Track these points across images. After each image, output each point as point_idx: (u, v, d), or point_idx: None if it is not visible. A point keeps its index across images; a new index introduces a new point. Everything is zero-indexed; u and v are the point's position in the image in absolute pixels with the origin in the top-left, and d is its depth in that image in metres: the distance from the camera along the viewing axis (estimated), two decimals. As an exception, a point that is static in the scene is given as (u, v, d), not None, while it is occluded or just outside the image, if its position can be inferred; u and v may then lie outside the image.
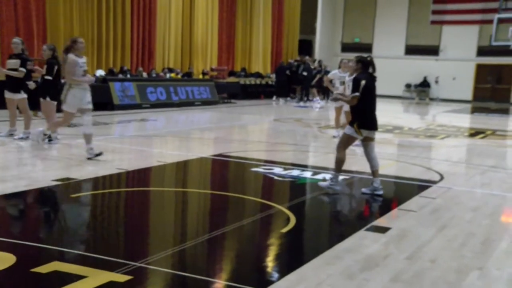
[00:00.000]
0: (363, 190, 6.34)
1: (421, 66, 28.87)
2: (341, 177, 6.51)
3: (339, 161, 6.28)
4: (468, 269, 4.06)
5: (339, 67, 10.85)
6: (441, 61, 28.71)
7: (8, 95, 9.24)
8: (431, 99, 28.52)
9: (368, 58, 6.24)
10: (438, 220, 5.38)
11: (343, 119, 10.43)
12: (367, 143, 6.29)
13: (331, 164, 8.14)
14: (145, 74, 18.74)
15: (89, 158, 7.60)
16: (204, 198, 6.22)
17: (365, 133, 6.17)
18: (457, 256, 4.33)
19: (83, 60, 7.73)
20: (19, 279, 3.55)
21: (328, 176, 6.77)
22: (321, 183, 6.46)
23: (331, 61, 26.27)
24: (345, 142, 6.28)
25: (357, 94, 6.05)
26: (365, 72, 6.17)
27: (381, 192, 6.19)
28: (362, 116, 6.13)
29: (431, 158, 9.73)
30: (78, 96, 7.65)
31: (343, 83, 10.14)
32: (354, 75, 6.37)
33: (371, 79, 6.19)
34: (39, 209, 5.63)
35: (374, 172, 6.26)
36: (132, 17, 18.90)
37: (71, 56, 7.60)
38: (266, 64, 26.73)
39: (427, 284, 3.74)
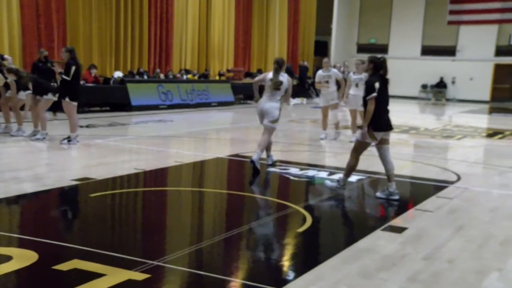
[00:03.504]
0: (378, 194, 6.19)
1: (438, 67, 28.63)
2: (354, 179, 6.47)
3: (350, 167, 6.22)
4: (487, 270, 4.03)
5: (323, 67, 11.06)
6: (458, 61, 28.45)
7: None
8: (448, 100, 28.26)
9: (381, 59, 6.07)
10: (455, 220, 5.35)
11: (359, 120, 10.36)
12: (381, 145, 6.13)
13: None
14: (162, 76, 18.88)
15: None
16: (220, 197, 6.26)
17: (380, 135, 6.01)
18: (475, 257, 4.30)
19: None
20: (41, 276, 3.62)
21: (338, 176, 6.73)
22: (328, 182, 6.46)
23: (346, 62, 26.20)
24: (358, 148, 6.16)
25: (374, 95, 5.89)
26: (376, 74, 6.03)
27: (397, 197, 6.06)
28: (376, 118, 5.96)
29: (448, 158, 9.66)
30: None
31: (356, 85, 10.16)
32: (363, 75, 6.26)
33: (383, 81, 6.02)
34: (59, 208, 5.72)
35: (389, 177, 6.12)
36: (150, 20, 19.08)
37: None
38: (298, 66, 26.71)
39: (446, 284, 3.73)
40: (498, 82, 27.85)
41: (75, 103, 9.11)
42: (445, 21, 27.15)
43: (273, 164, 7.83)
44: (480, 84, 27.87)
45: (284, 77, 7.52)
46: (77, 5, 16.52)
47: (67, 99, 8.98)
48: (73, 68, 8.89)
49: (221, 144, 10.70)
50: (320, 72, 11.07)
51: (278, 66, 7.51)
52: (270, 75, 7.64)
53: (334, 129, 10.98)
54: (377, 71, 6.03)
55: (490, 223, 5.32)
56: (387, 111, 6.16)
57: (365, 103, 6.03)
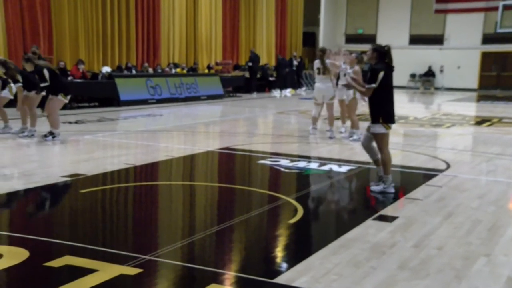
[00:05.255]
0: (372, 188, 6.05)
1: (426, 56, 28.75)
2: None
3: (385, 163, 5.94)
4: (475, 255, 4.09)
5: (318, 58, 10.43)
6: (445, 50, 28.59)
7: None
8: (436, 89, 28.42)
9: (386, 48, 5.85)
10: (444, 208, 5.41)
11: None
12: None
13: (337, 155, 8.19)
14: (150, 70, 18.80)
15: None
16: (211, 191, 6.27)
17: (391, 126, 5.88)
18: (463, 243, 4.36)
19: None
20: (32, 273, 3.62)
21: (346, 167, 6.77)
22: (374, 187, 6.05)
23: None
24: (382, 142, 5.90)
25: (373, 85, 5.74)
26: (382, 63, 5.77)
27: (393, 190, 5.96)
28: (386, 109, 5.82)
29: (437, 147, 9.74)
30: None
31: (344, 74, 9.95)
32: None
33: (390, 70, 5.83)
34: (50, 205, 5.71)
35: (378, 161, 6.04)
36: (137, 13, 18.96)
37: None
38: (270, 57, 26.71)
39: (434, 270, 3.78)
40: (485, 70, 28.06)
41: (67, 99, 9.04)
42: (432, 9, 27.24)
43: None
44: (467, 72, 28.05)
45: (328, 62, 9.72)
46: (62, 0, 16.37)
47: (60, 96, 8.88)
48: (45, 70, 8.72)
49: (211, 138, 10.70)
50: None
51: (323, 53, 9.78)
52: (317, 63, 9.87)
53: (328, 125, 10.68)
54: (382, 60, 5.80)
55: (477, 210, 5.39)
56: (393, 103, 5.94)
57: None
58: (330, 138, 9.86)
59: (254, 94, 21.38)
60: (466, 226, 4.83)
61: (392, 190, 5.96)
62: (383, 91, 5.78)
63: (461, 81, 28.04)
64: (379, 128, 5.86)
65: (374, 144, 6.07)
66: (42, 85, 8.81)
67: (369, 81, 5.79)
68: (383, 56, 5.81)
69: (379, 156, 6.05)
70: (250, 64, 21.95)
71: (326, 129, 10.14)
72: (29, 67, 8.90)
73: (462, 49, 27.91)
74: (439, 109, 18.54)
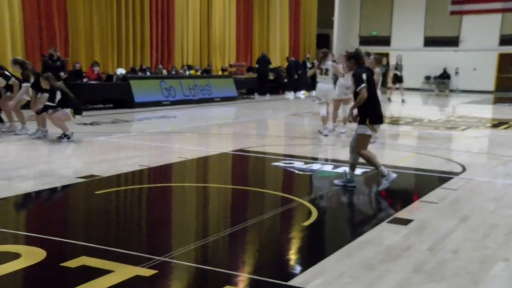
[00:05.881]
0: (336, 182, 6.32)
1: (441, 58, 28.52)
2: (359, 171, 6.43)
3: (370, 159, 6.08)
4: (492, 260, 4.04)
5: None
6: (460, 51, 28.33)
7: None
8: (451, 91, 28.18)
9: (357, 51, 6.21)
10: (459, 211, 5.37)
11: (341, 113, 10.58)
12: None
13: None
14: (164, 72, 18.90)
15: None
16: (225, 193, 6.28)
17: (377, 127, 6.09)
18: (480, 247, 4.32)
19: None
20: (50, 273, 3.66)
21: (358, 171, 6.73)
22: (384, 182, 6.06)
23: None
24: (362, 144, 6.06)
25: (363, 85, 5.90)
26: (362, 67, 6.07)
27: (354, 184, 6.19)
28: (371, 110, 6.00)
29: (452, 149, 9.66)
30: None
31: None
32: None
33: (370, 72, 6.11)
34: (65, 206, 5.76)
35: (354, 166, 6.25)
36: (151, 16, 19.08)
37: None
38: (284, 59, 26.68)
39: (450, 274, 3.75)
40: (502, 72, 27.71)
41: (74, 117, 9.15)
42: (447, 11, 27.02)
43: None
44: (484, 74, 27.74)
45: (328, 65, 10.27)
46: (77, 2, 16.54)
47: (68, 110, 8.96)
48: (58, 92, 8.90)
49: (225, 139, 10.72)
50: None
51: (323, 55, 10.34)
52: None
53: (342, 124, 10.79)
54: (361, 63, 6.10)
55: (494, 213, 5.33)
56: (379, 103, 6.20)
57: (355, 95, 6.07)
58: (325, 135, 10.37)
59: (267, 96, 21.38)
60: (482, 229, 4.78)
61: (394, 175, 6.03)
62: (368, 92, 5.94)
63: (477, 83, 27.76)
64: (363, 129, 6.02)
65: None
66: (47, 103, 8.96)
67: (357, 85, 5.97)
68: (358, 59, 6.10)
69: (357, 162, 6.25)
70: (257, 66, 21.99)
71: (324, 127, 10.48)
72: (45, 85, 9.05)
73: (478, 51, 27.62)
74: (454, 111, 18.37)
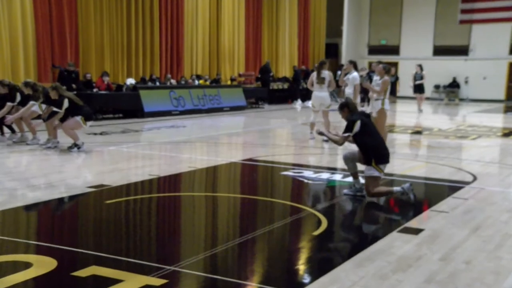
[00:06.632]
0: (345, 191, 6.36)
1: (450, 67, 28.42)
2: (398, 188, 6.18)
3: (385, 194, 6.08)
4: (506, 270, 3.99)
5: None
6: (470, 60, 28.22)
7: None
8: (461, 100, 28.04)
9: (347, 101, 6.43)
10: (471, 221, 5.31)
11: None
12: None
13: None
14: (173, 81, 18.99)
15: None
16: (235, 202, 6.28)
17: (383, 167, 6.06)
18: (493, 257, 4.27)
19: None
20: (60, 283, 3.67)
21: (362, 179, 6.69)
22: (411, 197, 5.95)
23: (359, 64, 26.12)
24: (373, 184, 6.00)
25: (347, 134, 6.06)
26: (355, 113, 6.19)
27: (363, 193, 6.18)
28: (376, 151, 6.00)
29: (462, 158, 9.59)
30: None
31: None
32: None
33: (365, 116, 6.26)
34: (76, 215, 5.78)
35: (357, 174, 6.31)
36: (160, 26, 19.22)
37: None
38: (292, 68, 26.74)
39: (463, 285, 3.71)
40: (513, 81, 27.55)
41: (86, 124, 9.19)
42: (456, 20, 26.95)
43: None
44: (494, 83, 27.58)
45: (325, 74, 10.80)
46: (88, 13, 16.72)
47: (79, 118, 9.03)
48: (65, 100, 8.97)
49: (234, 149, 10.73)
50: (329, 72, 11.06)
51: (320, 66, 10.98)
52: (315, 75, 10.94)
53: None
54: (354, 110, 6.25)
55: (507, 223, 5.27)
56: (383, 142, 6.28)
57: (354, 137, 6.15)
58: (311, 139, 11.03)
59: (274, 105, 21.37)
60: (495, 240, 4.73)
61: (406, 185, 5.96)
62: (366, 136, 6.04)
63: (487, 92, 27.60)
64: (370, 171, 6.00)
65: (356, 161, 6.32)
66: (54, 109, 9.11)
67: (345, 130, 6.13)
68: (351, 107, 6.24)
69: (357, 169, 6.31)
70: (259, 75, 22.07)
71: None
72: (53, 95, 9.13)
73: (488, 60, 27.49)
74: (464, 120, 18.26)
